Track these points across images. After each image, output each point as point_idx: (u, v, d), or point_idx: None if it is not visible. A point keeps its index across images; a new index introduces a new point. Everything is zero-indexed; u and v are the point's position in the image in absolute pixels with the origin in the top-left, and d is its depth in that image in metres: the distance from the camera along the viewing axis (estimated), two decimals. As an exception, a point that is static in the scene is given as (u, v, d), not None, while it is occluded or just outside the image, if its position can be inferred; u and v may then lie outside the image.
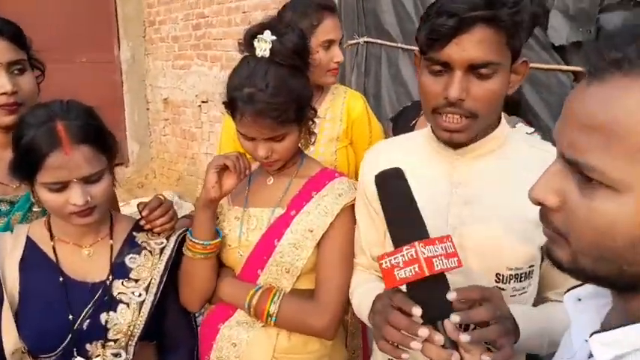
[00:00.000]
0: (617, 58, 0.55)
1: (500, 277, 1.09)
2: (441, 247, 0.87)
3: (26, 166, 1.19)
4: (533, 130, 1.79)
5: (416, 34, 1.07)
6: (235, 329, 1.38)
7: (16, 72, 1.38)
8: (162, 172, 6.21)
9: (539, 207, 0.65)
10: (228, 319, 1.40)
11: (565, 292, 0.74)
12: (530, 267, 1.10)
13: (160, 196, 1.45)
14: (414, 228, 0.89)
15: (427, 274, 0.83)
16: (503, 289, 1.08)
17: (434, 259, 0.84)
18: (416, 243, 0.85)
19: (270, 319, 1.31)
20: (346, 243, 1.33)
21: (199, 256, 1.34)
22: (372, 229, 1.26)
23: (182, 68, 5.65)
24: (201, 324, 1.47)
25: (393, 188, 0.92)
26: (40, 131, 1.17)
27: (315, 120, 1.41)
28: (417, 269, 0.84)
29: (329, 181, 1.36)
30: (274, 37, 1.24)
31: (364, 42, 3.61)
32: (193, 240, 1.33)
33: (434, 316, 0.86)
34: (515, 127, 1.77)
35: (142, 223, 1.39)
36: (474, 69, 0.99)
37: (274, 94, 1.22)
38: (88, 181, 1.21)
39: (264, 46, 1.24)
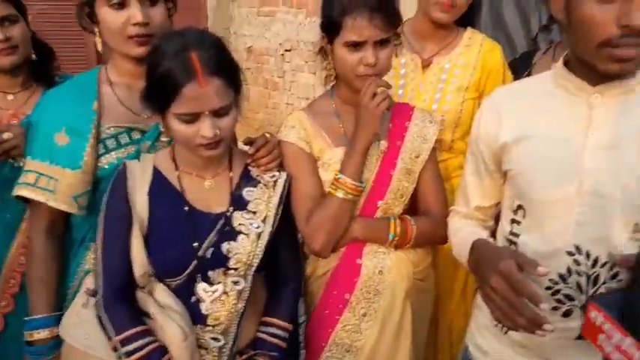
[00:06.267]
0: None
1: None
2: None
3: (161, 95, 1.23)
4: None
5: None
6: (376, 259, 1.49)
7: (147, 4, 1.40)
8: (242, 120, 6.30)
9: None
10: (362, 253, 1.49)
11: None
12: None
13: (267, 134, 1.48)
14: None
15: None
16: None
17: None
18: None
19: (411, 241, 1.48)
20: (437, 165, 1.59)
21: (352, 197, 1.42)
22: (478, 185, 1.27)
23: (267, 15, 5.63)
24: (337, 266, 1.50)
25: None
26: (175, 61, 1.20)
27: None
28: None
29: (411, 112, 1.55)
30: None
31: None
32: (351, 182, 1.40)
33: None
34: None
35: (248, 161, 1.42)
36: None
37: None
38: (217, 114, 1.24)
39: None
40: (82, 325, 1.30)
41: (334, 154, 1.47)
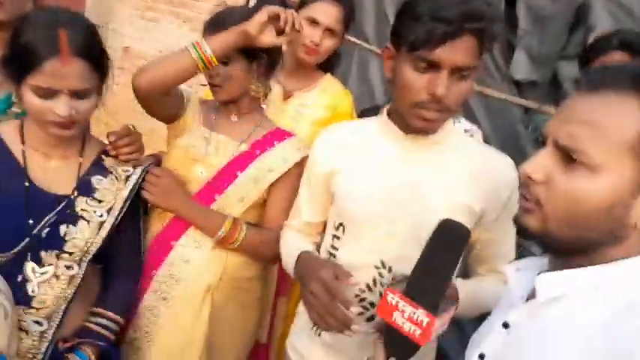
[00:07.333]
0: (615, 78, 0.74)
1: None
2: (447, 317, 1.02)
3: (20, 64, 1.20)
4: (475, 126, 1.98)
5: (398, 31, 1.17)
6: (188, 247, 1.53)
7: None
8: (108, 122, 6.03)
9: (524, 180, 0.81)
10: (180, 236, 1.54)
11: (508, 264, 0.92)
12: None
13: (130, 126, 1.49)
14: (439, 297, 0.97)
15: (421, 344, 0.96)
16: None
17: (433, 331, 0.96)
18: (436, 318, 0.94)
19: (234, 244, 1.51)
20: (294, 190, 1.49)
21: (197, 60, 1.37)
22: (310, 201, 1.42)
23: (151, 20, 5.52)
24: (153, 240, 1.54)
25: (450, 256, 0.99)
26: (42, 33, 1.19)
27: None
28: (416, 334, 0.95)
29: (288, 137, 1.61)
30: None
31: (340, 37, 3.71)
32: (204, 44, 1.36)
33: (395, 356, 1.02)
34: (459, 120, 1.96)
35: (109, 148, 1.43)
36: (457, 71, 1.11)
37: None
38: (76, 95, 1.24)
39: None
40: None
41: (193, 128, 1.58)
